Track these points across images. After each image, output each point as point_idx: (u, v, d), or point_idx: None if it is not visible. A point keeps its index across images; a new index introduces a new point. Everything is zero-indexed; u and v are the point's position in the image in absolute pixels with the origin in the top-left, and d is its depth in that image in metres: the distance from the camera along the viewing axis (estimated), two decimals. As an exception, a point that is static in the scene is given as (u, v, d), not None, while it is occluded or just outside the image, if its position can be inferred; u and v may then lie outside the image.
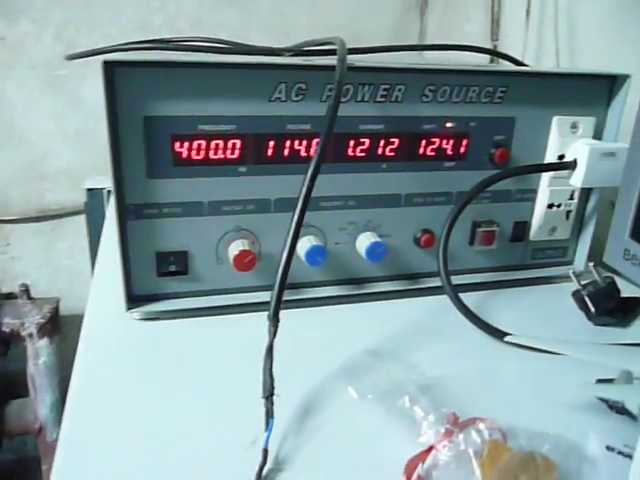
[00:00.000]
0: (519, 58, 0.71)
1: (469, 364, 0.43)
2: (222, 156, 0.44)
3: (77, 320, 0.49)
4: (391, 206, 0.50)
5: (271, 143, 0.45)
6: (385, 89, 0.46)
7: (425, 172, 0.50)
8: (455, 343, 0.46)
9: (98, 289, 0.52)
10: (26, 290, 1.09)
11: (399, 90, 0.47)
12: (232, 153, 0.45)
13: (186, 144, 0.43)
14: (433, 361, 0.43)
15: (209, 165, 0.44)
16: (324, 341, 0.45)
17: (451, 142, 0.50)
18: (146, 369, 0.41)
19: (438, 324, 0.49)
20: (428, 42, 1.22)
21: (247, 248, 0.45)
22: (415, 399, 0.35)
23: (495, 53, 0.72)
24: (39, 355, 1.07)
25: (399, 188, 0.50)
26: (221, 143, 0.44)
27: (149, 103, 0.41)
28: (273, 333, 0.35)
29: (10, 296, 1.12)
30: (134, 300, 0.46)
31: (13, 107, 1.06)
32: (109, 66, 0.39)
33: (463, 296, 0.49)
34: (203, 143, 0.44)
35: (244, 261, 0.45)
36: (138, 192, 0.44)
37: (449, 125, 0.49)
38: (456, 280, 0.53)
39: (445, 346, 0.45)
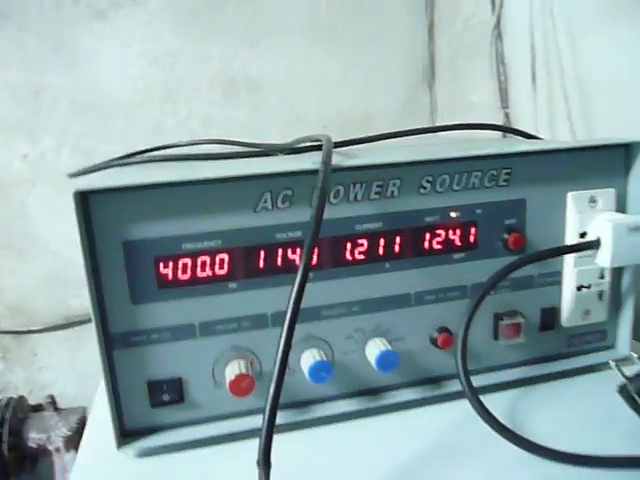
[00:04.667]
0: (531, 127, 0.68)
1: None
2: (210, 273, 0.42)
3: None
4: (400, 307, 0.46)
5: (261, 254, 0.42)
6: (379, 185, 0.44)
7: (434, 267, 0.46)
8: (483, 464, 0.40)
9: (95, 420, 0.49)
10: (52, 402, 1.07)
11: (394, 185, 0.44)
12: (221, 269, 0.42)
13: (171, 264, 0.41)
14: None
15: (197, 284, 0.42)
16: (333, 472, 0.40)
17: (458, 232, 0.46)
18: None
19: (464, 438, 0.43)
20: (439, 114, 1.21)
21: (243, 371, 0.41)
22: None
23: (504, 129, 0.69)
24: (67, 470, 1.04)
25: (407, 287, 0.46)
26: (208, 260, 0.42)
27: (128, 228, 0.40)
28: (265, 483, 0.31)
29: (37, 408, 1.11)
30: (127, 435, 0.42)
31: (34, 221, 1.08)
32: (83, 195, 0.38)
33: (492, 397, 0.44)
34: (189, 262, 0.41)
35: (241, 386, 0.41)
36: (123, 320, 0.41)
37: (453, 215, 0.46)
38: (483, 380, 0.48)
39: (472, 469, 0.40)
